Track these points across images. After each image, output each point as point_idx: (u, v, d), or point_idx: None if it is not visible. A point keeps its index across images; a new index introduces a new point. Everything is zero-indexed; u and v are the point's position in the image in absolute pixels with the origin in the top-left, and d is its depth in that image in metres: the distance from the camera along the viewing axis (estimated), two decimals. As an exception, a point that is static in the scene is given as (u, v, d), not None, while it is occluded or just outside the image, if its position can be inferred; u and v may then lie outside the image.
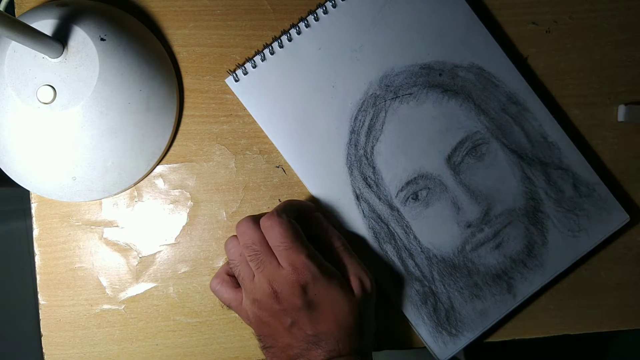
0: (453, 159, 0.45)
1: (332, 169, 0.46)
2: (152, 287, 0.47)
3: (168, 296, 0.47)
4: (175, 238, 0.47)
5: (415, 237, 0.45)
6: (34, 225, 0.46)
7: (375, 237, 0.46)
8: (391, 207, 0.45)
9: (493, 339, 0.48)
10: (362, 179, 0.45)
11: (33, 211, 0.46)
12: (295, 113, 0.46)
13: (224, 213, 0.47)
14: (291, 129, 0.46)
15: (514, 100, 0.46)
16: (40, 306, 0.46)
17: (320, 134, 0.46)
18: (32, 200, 0.46)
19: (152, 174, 0.47)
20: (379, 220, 0.45)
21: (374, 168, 0.45)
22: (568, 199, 0.46)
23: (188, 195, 0.47)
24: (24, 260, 1.10)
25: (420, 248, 0.45)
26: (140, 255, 0.47)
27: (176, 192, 0.47)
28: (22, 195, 0.48)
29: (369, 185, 0.45)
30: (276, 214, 0.40)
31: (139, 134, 0.43)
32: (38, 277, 0.46)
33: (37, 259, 0.46)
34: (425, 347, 0.47)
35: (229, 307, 0.42)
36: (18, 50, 0.39)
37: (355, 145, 0.45)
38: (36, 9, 0.42)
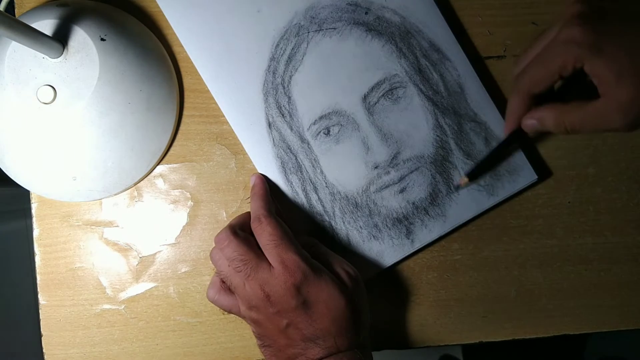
0: (369, 99, 0.45)
1: (247, 93, 0.45)
2: (152, 287, 0.47)
3: (168, 296, 0.47)
4: (176, 238, 0.47)
5: (321, 171, 0.45)
6: (34, 225, 0.46)
7: (282, 167, 0.45)
8: (302, 139, 0.45)
9: (493, 338, 0.48)
10: (276, 107, 0.45)
11: (33, 211, 0.46)
12: (217, 33, 0.45)
13: (224, 213, 0.47)
14: (212, 48, 0.45)
15: (436, 48, 0.46)
16: (40, 306, 0.46)
17: (240, 57, 0.45)
18: (32, 200, 0.46)
19: (152, 174, 0.47)
20: (288, 150, 0.45)
21: (289, 98, 0.45)
22: (478, 153, 0.46)
23: (188, 195, 0.47)
24: (24, 260, 1.10)
25: (325, 183, 0.45)
26: (141, 255, 0.47)
27: (176, 192, 0.47)
28: (22, 195, 0.48)
29: (282, 115, 0.45)
30: (267, 215, 0.41)
31: (139, 134, 0.43)
32: (38, 277, 0.46)
33: (37, 259, 0.46)
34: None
35: (230, 312, 0.42)
36: (18, 50, 0.39)
37: (274, 73, 0.45)
38: (36, 9, 0.42)
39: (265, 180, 0.45)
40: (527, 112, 0.41)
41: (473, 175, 0.45)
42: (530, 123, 0.41)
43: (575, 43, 0.36)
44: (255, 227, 0.41)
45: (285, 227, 0.41)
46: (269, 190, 0.44)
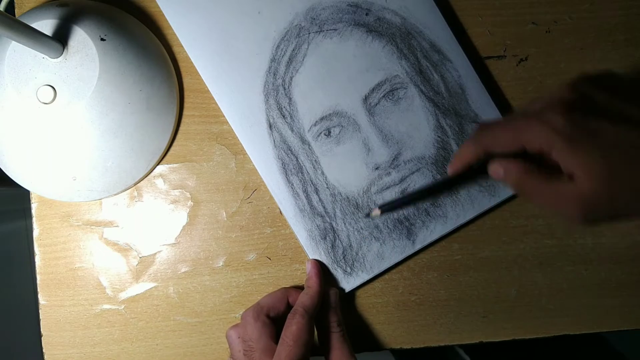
0: (369, 100, 0.46)
1: (248, 94, 0.46)
2: (152, 287, 0.47)
3: (168, 296, 0.47)
4: (175, 238, 0.47)
5: (322, 172, 0.46)
6: (34, 225, 0.46)
7: (283, 168, 0.46)
8: (303, 140, 0.46)
9: (493, 339, 0.48)
10: (277, 108, 0.45)
11: (33, 211, 0.46)
12: (217, 34, 0.45)
13: (224, 213, 0.47)
14: (212, 49, 0.45)
15: (436, 49, 0.46)
16: (40, 306, 0.46)
17: (241, 59, 0.46)
18: (32, 200, 0.46)
19: (152, 174, 0.47)
20: (289, 151, 0.46)
21: (290, 99, 0.45)
22: None
23: (188, 195, 0.47)
24: (24, 260, 1.10)
25: (327, 184, 0.46)
26: (140, 255, 0.47)
27: (176, 192, 0.47)
28: (22, 195, 0.48)
29: (283, 116, 0.45)
30: (303, 315, 0.41)
31: (139, 134, 0.43)
32: (38, 277, 0.46)
33: (37, 259, 0.46)
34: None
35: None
36: (18, 50, 0.39)
37: (274, 74, 0.45)
38: (36, 9, 0.42)
39: (322, 270, 0.45)
40: (476, 161, 0.38)
41: (385, 210, 0.39)
42: (498, 171, 0.37)
43: (553, 129, 0.33)
44: (289, 316, 0.41)
45: (310, 333, 0.40)
46: (323, 283, 0.44)
